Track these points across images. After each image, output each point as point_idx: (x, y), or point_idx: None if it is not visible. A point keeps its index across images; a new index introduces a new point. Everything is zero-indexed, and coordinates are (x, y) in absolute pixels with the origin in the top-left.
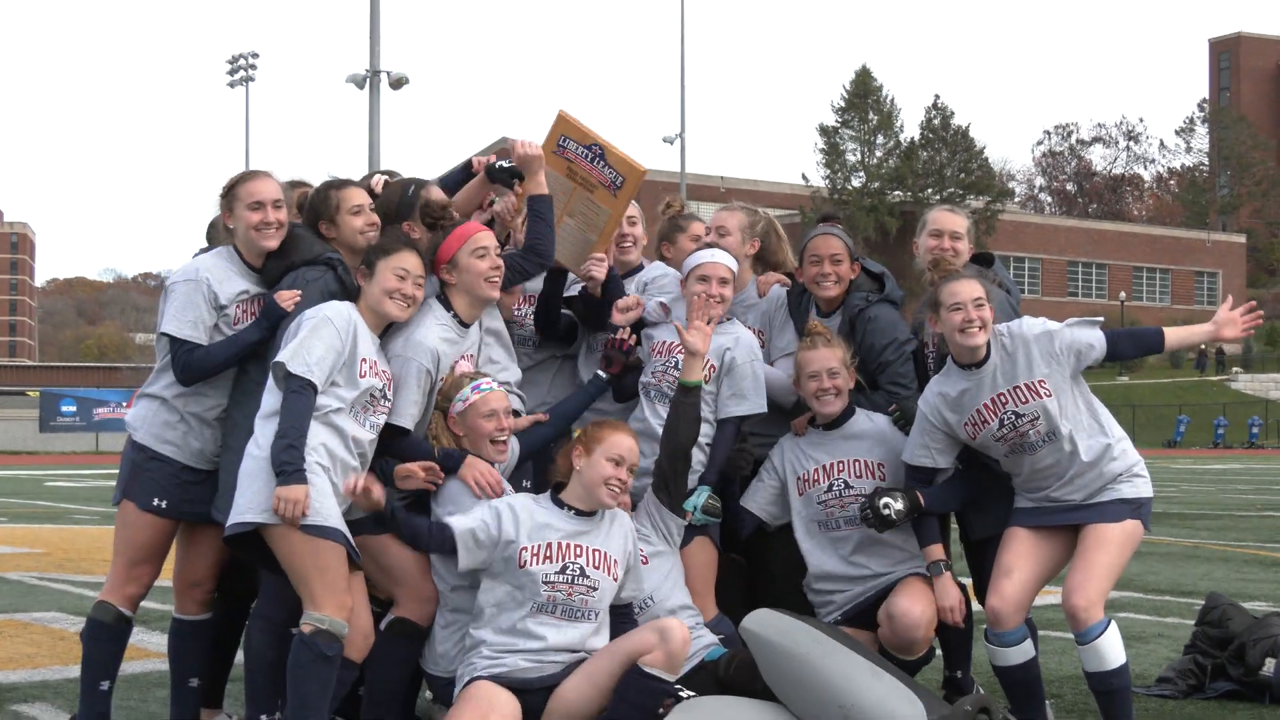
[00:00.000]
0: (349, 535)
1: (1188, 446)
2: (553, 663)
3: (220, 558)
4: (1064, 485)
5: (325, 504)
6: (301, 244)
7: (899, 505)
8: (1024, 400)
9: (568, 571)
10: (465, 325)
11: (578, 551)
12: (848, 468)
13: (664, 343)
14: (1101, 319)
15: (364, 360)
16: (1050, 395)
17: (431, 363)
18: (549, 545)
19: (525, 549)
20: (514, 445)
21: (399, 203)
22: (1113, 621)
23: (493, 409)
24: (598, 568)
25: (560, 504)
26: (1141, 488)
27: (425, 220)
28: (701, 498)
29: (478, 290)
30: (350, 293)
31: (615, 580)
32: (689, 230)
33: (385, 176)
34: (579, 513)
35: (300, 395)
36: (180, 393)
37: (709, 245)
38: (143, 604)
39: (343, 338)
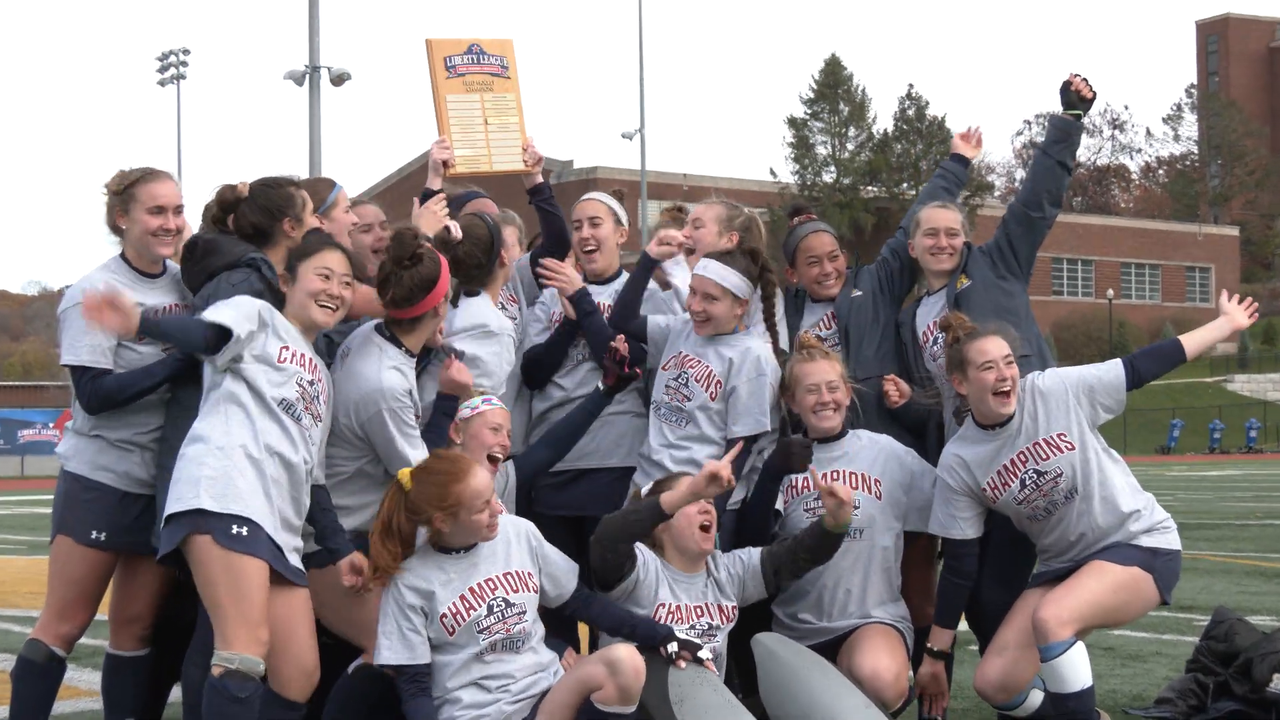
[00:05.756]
0: (280, 545)
1: (1182, 452)
2: (529, 697)
3: (161, 590)
4: (1086, 550)
5: (253, 503)
6: (221, 248)
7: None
8: (1045, 457)
9: (495, 610)
10: (412, 355)
11: (492, 585)
12: (841, 478)
13: (675, 356)
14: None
15: (285, 347)
16: (1073, 449)
17: (408, 398)
18: (462, 596)
19: (444, 614)
20: (510, 471)
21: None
22: (1080, 643)
23: (499, 424)
24: (516, 590)
25: (445, 550)
26: (1163, 539)
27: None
28: None
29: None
30: (277, 295)
31: (534, 591)
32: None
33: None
34: (466, 549)
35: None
36: (108, 422)
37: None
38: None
39: (262, 313)
